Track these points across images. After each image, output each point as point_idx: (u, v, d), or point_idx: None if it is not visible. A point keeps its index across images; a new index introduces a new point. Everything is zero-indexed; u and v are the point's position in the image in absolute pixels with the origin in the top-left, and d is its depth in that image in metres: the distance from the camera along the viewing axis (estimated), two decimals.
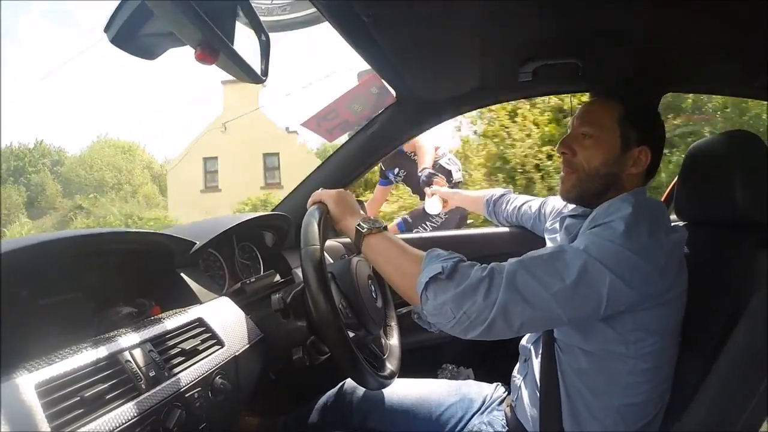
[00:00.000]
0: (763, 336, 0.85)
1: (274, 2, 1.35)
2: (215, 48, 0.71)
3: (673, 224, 1.05)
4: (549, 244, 1.36)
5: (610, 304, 0.91)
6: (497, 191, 1.88)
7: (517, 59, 1.39)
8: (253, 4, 0.90)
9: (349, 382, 1.40)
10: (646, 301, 0.95)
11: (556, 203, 1.53)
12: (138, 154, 31.93)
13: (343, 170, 1.83)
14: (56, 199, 27.98)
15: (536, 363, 1.16)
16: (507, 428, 1.22)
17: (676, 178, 1.28)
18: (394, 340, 1.32)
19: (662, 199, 1.17)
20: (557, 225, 1.33)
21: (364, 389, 1.33)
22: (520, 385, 1.22)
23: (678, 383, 1.06)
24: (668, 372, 1.05)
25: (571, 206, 1.27)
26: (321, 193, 1.16)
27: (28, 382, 0.70)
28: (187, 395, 0.92)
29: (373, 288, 1.22)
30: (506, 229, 1.92)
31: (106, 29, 0.71)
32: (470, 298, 0.91)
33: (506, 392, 1.33)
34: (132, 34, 0.72)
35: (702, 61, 1.36)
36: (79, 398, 0.74)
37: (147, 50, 0.78)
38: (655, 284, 0.94)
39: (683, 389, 1.03)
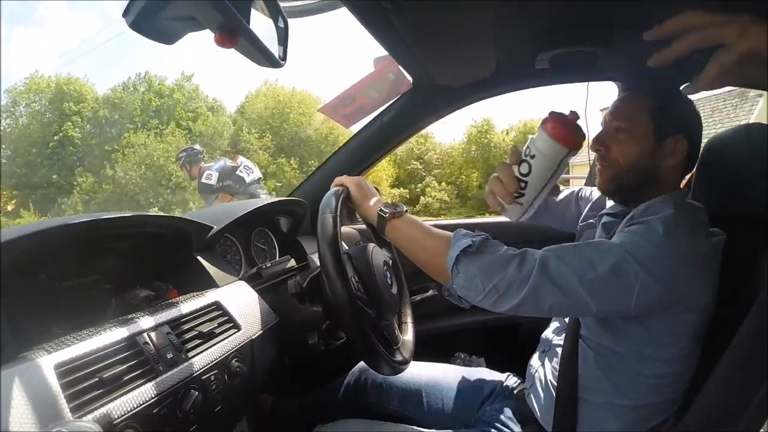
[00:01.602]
0: (766, 335, 0.84)
1: None
2: (235, 31, 0.70)
3: (712, 228, 1.03)
4: (583, 234, 1.34)
5: (641, 302, 0.90)
6: None
7: (535, 47, 1.36)
8: None
9: (364, 364, 1.40)
10: (680, 304, 0.94)
11: (593, 193, 1.47)
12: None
13: (359, 156, 1.83)
14: None
15: (556, 354, 1.15)
16: (518, 416, 1.22)
17: (692, 171, 1.25)
18: (408, 336, 1.32)
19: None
20: (593, 220, 1.31)
21: None
22: (536, 374, 1.22)
23: (694, 382, 1.05)
24: (690, 375, 1.03)
25: (611, 203, 1.25)
26: (342, 178, 1.18)
27: (47, 363, 0.71)
28: (203, 377, 0.93)
29: (388, 274, 1.22)
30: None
31: (125, 14, 0.71)
32: (501, 270, 0.92)
33: (518, 382, 1.33)
34: (151, 18, 0.72)
35: None
36: (97, 379, 0.75)
37: (167, 34, 0.78)
38: (690, 287, 0.93)
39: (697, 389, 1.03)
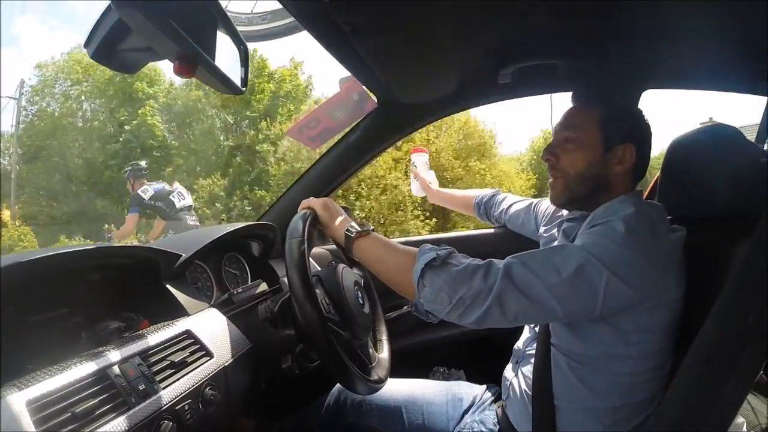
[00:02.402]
0: (730, 329, 0.87)
1: (254, 12, 1.36)
2: (193, 61, 0.72)
3: (672, 225, 1.07)
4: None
5: (608, 303, 0.93)
6: (487, 192, 1.88)
7: (496, 62, 1.40)
8: (232, 15, 0.91)
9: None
10: (646, 301, 0.96)
11: (549, 206, 1.53)
12: None
13: (326, 178, 1.84)
14: None
15: (529, 365, 1.18)
16: (498, 427, 1.23)
17: (658, 174, 1.30)
18: (384, 354, 1.33)
19: (644, 196, 1.19)
20: (555, 231, 1.34)
21: None
22: (510, 386, 1.24)
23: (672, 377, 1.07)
24: (668, 369, 1.06)
25: (565, 210, 1.28)
26: (309, 201, 1.19)
27: (19, 400, 0.71)
28: (177, 407, 0.93)
29: (359, 294, 1.24)
30: (496, 230, 1.94)
31: (86, 45, 0.72)
32: (466, 282, 0.94)
33: (497, 393, 1.34)
34: (111, 49, 0.73)
35: (683, 57, 1.38)
36: (70, 414, 0.75)
37: (127, 64, 0.79)
38: (656, 284, 0.96)
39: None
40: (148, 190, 5.21)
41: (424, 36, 1.17)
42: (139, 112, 18.77)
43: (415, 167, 2.03)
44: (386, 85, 1.53)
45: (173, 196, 5.16)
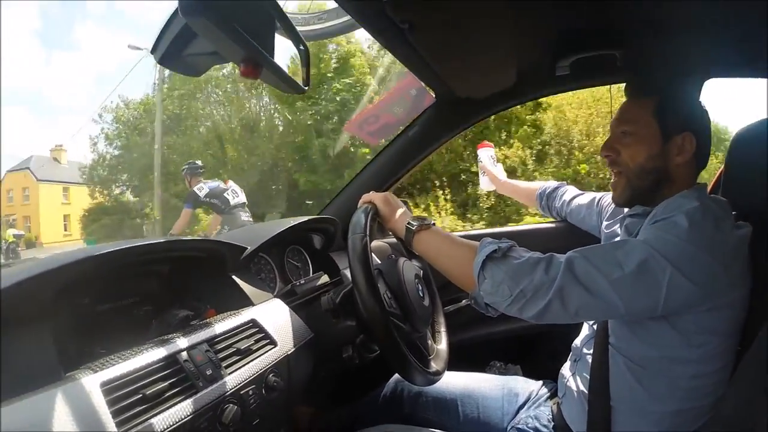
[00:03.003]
0: None
1: (310, 13, 1.38)
2: (258, 63, 0.73)
3: (738, 222, 1.01)
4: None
5: (670, 300, 0.89)
6: (551, 184, 1.84)
7: (555, 53, 1.37)
8: (290, 17, 0.93)
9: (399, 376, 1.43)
10: (709, 299, 0.92)
11: (612, 204, 1.46)
12: None
13: (385, 173, 1.84)
14: None
15: (587, 364, 1.15)
16: (553, 423, 1.21)
17: (722, 167, 1.23)
18: (442, 345, 1.33)
19: (708, 190, 1.13)
20: (617, 227, 1.31)
21: None
22: (567, 384, 1.21)
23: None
24: (729, 373, 1.00)
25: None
26: (370, 195, 1.20)
27: (93, 381, 0.75)
28: (242, 392, 0.96)
29: (420, 287, 1.24)
30: (556, 225, 1.90)
31: (153, 51, 0.75)
32: (528, 275, 0.93)
33: (553, 389, 1.32)
34: (178, 53, 0.76)
35: (751, 43, 1.30)
36: (141, 395, 0.79)
37: (193, 68, 0.82)
38: (719, 281, 0.91)
39: None
40: (203, 188, 5.43)
41: (481, 30, 1.16)
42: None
43: (481, 162, 2.01)
44: (443, 80, 1.52)
45: (227, 194, 5.38)
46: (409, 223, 1.11)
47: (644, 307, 0.92)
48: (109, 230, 19.65)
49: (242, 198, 5.52)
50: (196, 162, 5.93)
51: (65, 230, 34.76)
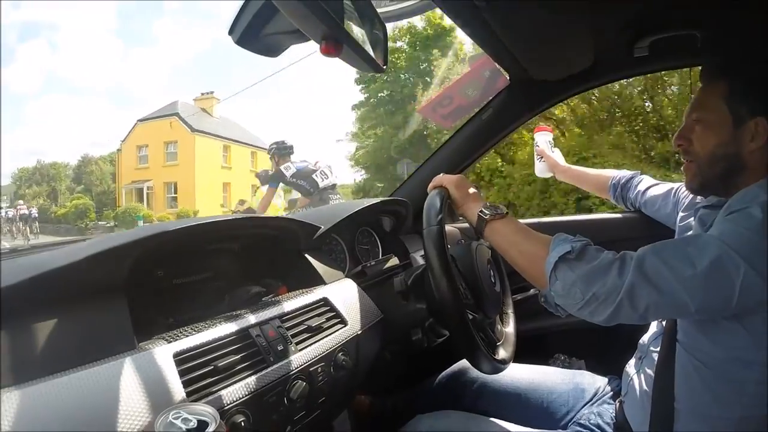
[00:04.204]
0: None
1: None
2: (339, 41, 0.72)
3: None
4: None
5: (743, 298, 0.83)
6: (625, 173, 1.74)
7: (633, 34, 1.33)
8: None
9: (461, 365, 1.41)
10: None
11: (689, 194, 1.39)
12: None
13: (459, 156, 1.82)
14: None
15: (653, 362, 1.09)
16: (615, 422, 1.16)
17: None
18: (509, 328, 1.30)
19: None
20: (692, 219, 1.23)
21: (475, 372, 1.32)
22: (631, 382, 1.16)
23: None
24: None
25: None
26: (442, 178, 1.17)
27: (167, 351, 0.77)
28: (311, 369, 0.97)
29: (492, 272, 1.20)
30: (629, 215, 1.80)
31: (231, 32, 0.75)
32: (600, 278, 0.88)
33: (618, 387, 1.26)
34: (256, 34, 0.76)
35: None
36: (212, 367, 0.80)
37: (272, 48, 0.81)
38: None
39: None
40: (290, 167, 5.26)
41: (558, 8, 1.11)
42: None
43: (538, 146, 1.92)
44: (518, 60, 1.48)
45: (316, 176, 5.20)
46: (481, 211, 1.07)
47: (716, 306, 0.87)
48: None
49: (332, 179, 5.34)
50: (285, 142, 5.67)
51: (223, 204, 24.72)
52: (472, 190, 1.15)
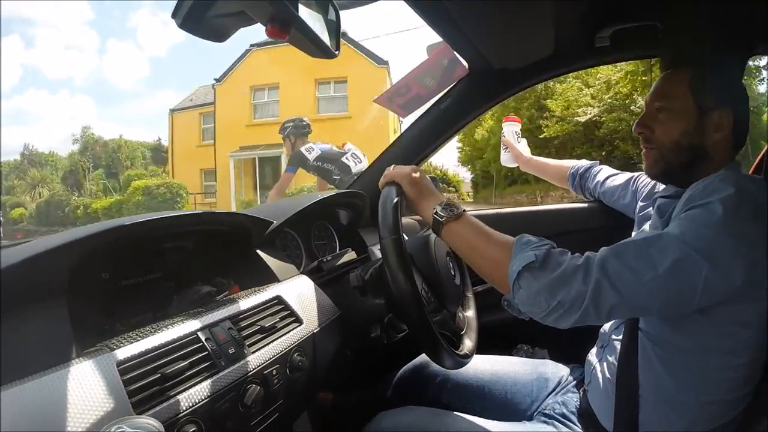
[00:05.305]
0: None
1: None
2: (287, 22, 0.69)
3: None
4: (642, 228, 1.27)
5: (705, 297, 0.85)
6: (583, 163, 1.77)
7: (594, 24, 1.34)
8: None
9: (423, 358, 1.40)
10: (744, 291, 0.86)
11: (649, 180, 1.43)
12: None
13: (417, 146, 1.80)
14: None
15: (615, 350, 1.11)
16: (580, 410, 1.18)
17: (766, 146, 1.15)
18: (470, 312, 1.30)
19: (750, 170, 1.07)
20: (650, 209, 1.26)
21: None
22: (594, 371, 1.17)
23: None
24: (761, 367, 0.97)
25: (663, 186, 1.19)
26: (393, 173, 1.12)
27: (109, 361, 0.72)
28: (265, 372, 0.94)
29: (451, 265, 1.19)
30: (589, 204, 1.82)
31: (174, 15, 0.71)
32: (565, 286, 0.88)
33: (581, 376, 1.28)
34: (200, 17, 0.71)
35: None
36: (159, 375, 0.76)
37: (217, 32, 0.77)
38: (757, 273, 0.86)
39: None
40: (313, 149, 4.28)
41: None
42: None
43: (504, 137, 1.96)
44: (478, 49, 1.48)
45: (346, 159, 4.22)
46: (436, 213, 1.04)
47: (678, 306, 0.89)
48: None
49: (365, 163, 4.30)
50: (303, 119, 4.61)
51: None
52: (426, 184, 1.11)
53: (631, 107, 14.35)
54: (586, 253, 0.91)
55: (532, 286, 0.89)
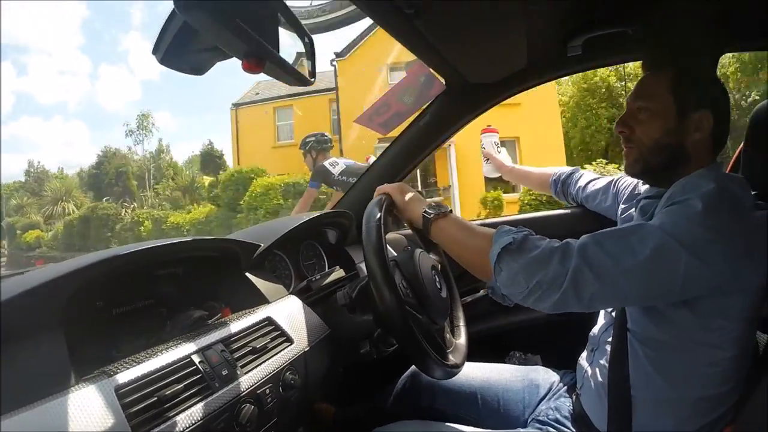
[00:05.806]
0: None
1: (313, 4, 1.37)
2: (261, 57, 0.72)
3: (758, 201, 0.99)
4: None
5: (687, 286, 0.88)
6: (565, 169, 1.81)
7: (565, 34, 1.36)
8: (292, 10, 0.91)
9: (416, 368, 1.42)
10: (728, 284, 0.90)
11: (630, 182, 1.47)
12: None
13: (399, 163, 1.83)
14: None
15: (605, 353, 1.13)
16: (574, 415, 1.20)
17: (741, 145, 1.19)
18: (461, 339, 1.31)
19: (727, 169, 1.10)
20: (632, 210, 1.29)
21: None
22: (585, 374, 1.20)
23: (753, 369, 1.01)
24: (748, 359, 1.00)
25: (645, 187, 1.23)
26: (383, 187, 1.20)
27: (108, 386, 0.75)
28: (258, 391, 0.96)
29: (437, 278, 1.22)
30: (573, 210, 1.87)
31: (154, 51, 0.74)
32: (543, 267, 0.91)
33: (574, 380, 1.30)
34: (179, 52, 0.75)
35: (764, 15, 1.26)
36: (156, 398, 0.78)
37: (196, 66, 0.81)
38: (738, 266, 0.89)
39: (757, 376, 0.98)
40: (337, 163, 4.14)
41: (489, 11, 1.14)
42: None
43: (484, 148, 2.00)
44: (453, 65, 1.51)
45: None
46: (425, 211, 1.11)
47: (658, 294, 0.91)
48: None
49: None
50: (325, 134, 4.47)
51: None
52: (413, 192, 1.18)
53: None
54: (566, 240, 0.95)
55: (511, 267, 0.94)
